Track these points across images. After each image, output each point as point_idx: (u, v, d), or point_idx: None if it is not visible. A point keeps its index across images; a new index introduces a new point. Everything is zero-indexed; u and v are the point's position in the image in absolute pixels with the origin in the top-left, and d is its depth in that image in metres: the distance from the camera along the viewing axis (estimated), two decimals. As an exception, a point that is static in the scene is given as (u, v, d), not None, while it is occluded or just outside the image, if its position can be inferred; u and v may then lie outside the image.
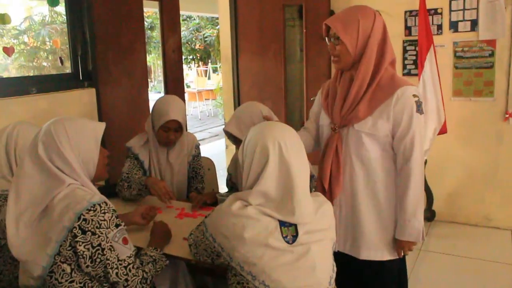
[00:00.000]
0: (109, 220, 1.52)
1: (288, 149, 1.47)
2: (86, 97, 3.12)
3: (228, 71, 4.89)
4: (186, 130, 2.73)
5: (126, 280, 1.53)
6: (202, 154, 2.83)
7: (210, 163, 3.08)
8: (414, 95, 1.83)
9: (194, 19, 15.36)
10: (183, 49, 5.18)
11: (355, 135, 1.90)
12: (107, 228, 1.50)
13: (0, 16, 2.73)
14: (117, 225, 1.54)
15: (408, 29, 4.02)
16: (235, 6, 4.57)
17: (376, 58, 1.86)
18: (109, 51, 3.29)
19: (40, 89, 2.83)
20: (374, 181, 1.91)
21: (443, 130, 3.67)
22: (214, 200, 2.38)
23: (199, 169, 2.73)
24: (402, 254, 1.95)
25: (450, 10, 3.85)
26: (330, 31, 1.89)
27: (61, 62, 3.27)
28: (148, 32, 13.53)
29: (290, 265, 1.44)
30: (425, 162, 3.90)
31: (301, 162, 1.51)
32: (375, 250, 1.95)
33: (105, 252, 1.49)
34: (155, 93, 12.60)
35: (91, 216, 1.48)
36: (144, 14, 3.72)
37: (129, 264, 1.55)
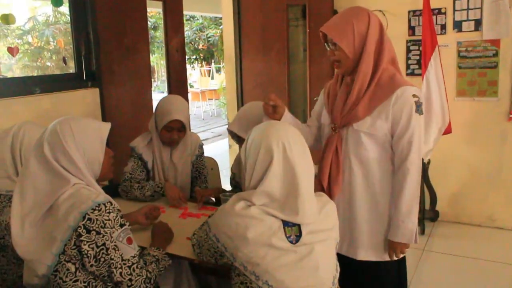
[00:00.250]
0: (114, 219, 1.52)
1: (292, 149, 1.47)
2: (89, 97, 3.12)
3: (231, 71, 4.89)
4: (190, 130, 2.74)
5: (130, 279, 1.54)
6: (206, 154, 2.83)
7: (213, 163, 3.09)
8: (414, 95, 1.82)
9: (198, 19, 15.39)
10: (186, 49, 5.18)
11: (354, 135, 1.90)
12: (111, 228, 1.51)
13: (4, 16, 2.74)
14: (121, 225, 1.54)
15: (411, 29, 4.02)
16: (239, 6, 4.57)
17: (374, 58, 1.86)
18: (113, 51, 3.30)
19: (43, 89, 2.84)
20: (372, 181, 1.91)
21: (447, 130, 3.66)
22: (218, 195, 2.38)
23: (202, 169, 2.73)
24: (394, 257, 1.92)
25: (454, 10, 3.84)
26: (327, 37, 1.88)
27: (65, 62, 3.28)
28: (151, 32, 13.55)
29: (293, 265, 1.44)
30: (429, 162, 3.90)
31: (305, 162, 1.51)
32: (373, 251, 1.94)
33: (109, 252, 1.50)
34: (158, 93, 12.62)
35: (96, 215, 1.49)
36: (148, 14, 3.73)
37: (133, 264, 1.55)
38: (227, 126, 2.43)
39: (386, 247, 1.93)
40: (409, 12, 4.00)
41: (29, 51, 7.83)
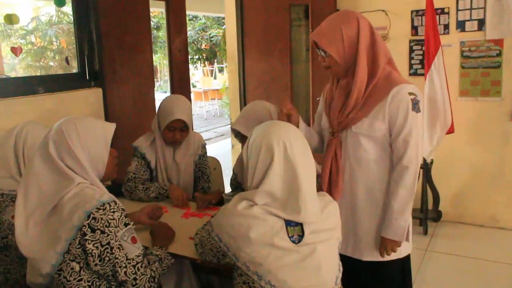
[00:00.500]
0: (118, 219, 1.52)
1: (293, 148, 1.48)
2: (92, 96, 3.13)
3: (234, 71, 4.89)
4: (192, 129, 2.74)
5: (135, 279, 1.54)
6: (208, 154, 2.83)
7: (216, 163, 3.09)
8: (410, 93, 1.81)
9: (200, 19, 15.38)
10: (189, 48, 5.19)
11: (353, 137, 1.90)
12: (116, 227, 1.51)
13: (8, 16, 2.75)
14: (126, 224, 1.55)
15: (414, 29, 4.01)
16: (241, 6, 4.57)
17: (369, 62, 1.85)
18: (116, 51, 3.31)
19: (47, 89, 2.85)
20: (373, 182, 1.91)
21: (450, 130, 3.65)
22: (220, 199, 2.39)
23: (205, 168, 2.74)
24: (385, 254, 1.91)
25: (457, 10, 3.84)
26: (318, 43, 1.88)
27: (67, 62, 3.28)
28: (154, 32, 13.56)
29: (296, 265, 1.44)
30: (432, 162, 3.90)
31: (307, 161, 1.51)
32: (378, 251, 1.94)
33: (113, 251, 1.50)
34: (161, 93, 12.62)
35: (101, 214, 1.49)
36: (150, 14, 3.73)
37: (137, 263, 1.56)
38: (230, 125, 2.43)
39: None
40: (412, 12, 4.00)
41: (32, 51, 7.85)
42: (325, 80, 2.09)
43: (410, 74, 4.03)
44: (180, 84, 3.99)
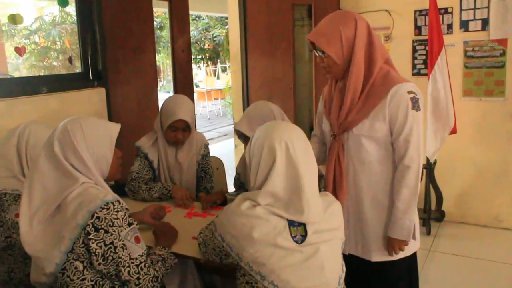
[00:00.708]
0: (122, 218, 1.53)
1: (295, 148, 1.48)
2: (96, 96, 3.13)
3: (237, 71, 4.89)
4: (195, 129, 2.74)
5: (138, 278, 1.54)
6: (211, 154, 2.83)
7: (219, 163, 3.09)
8: (410, 92, 1.81)
9: (203, 19, 15.40)
10: (192, 48, 5.19)
11: (355, 139, 1.90)
12: (119, 227, 1.51)
13: (12, 16, 2.76)
14: (129, 224, 1.55)
15: (418, 29, 4.00)
16: (244, 5, 4.57)
17: (365, 62, 1.84)
18: (119, 51, 3.31)
19: (50, 89, 2.85)
20: (377, 182, 1.91)
21: (453, 131, 3.64)
22: (224, 199, 2.39)
23: (208, 168, 2.74)
24: (393, 254, 1.92)
25: (461, 9, 3.83)
26: (315, 44, 1.88)
27: (70, 62, 3.29)
28: (157, 32, 13.58)
29: (299, 265, 1.44)
30: (435, 162, 3.89)
31: (309, 161, 1.51)
32: (385, 251, 1.94)
33: (117, 250, 1.51)
34: (164, 93, 12.64)
35: (104, 214, 1.50)
36: (154, 14, 3.73)
37: (141, 262, 1.56)
38: (233, 125, 2.43)
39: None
40: (415, 11, 3.99)
41: (35, 51, 7.88)
42: (327, 79, 2.09)
43: (413, 74, 4.02)
44: (183, 84, 3.99)
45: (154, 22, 3.81)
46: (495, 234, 3.89)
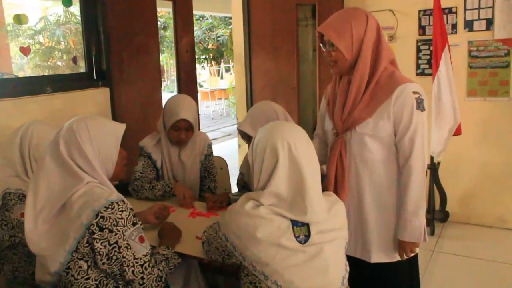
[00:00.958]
0: (126, 218, 1.53)
1: (297, 148, 1.48)
2: (100, 96, 3.14)
3: (240, 71, 4.90)
4: (199, 129, 2.74)
5: (142, 278, 1.55)
6: (215, 154, 2.83)
7: (222, 163, 3.09)
8: (415, 92, 1.81)
9: (207, 19, 15.41)
10: (196, 48, 5.20)
11: (358, 138, 1.89)
12: (124, 226, 1.52)
13: (17, 17, 2.77)
14: (134, 224, 1.56)
15: (422, 28, 3.99)
16: (248, 5, 4.57)
17: (371, 59, 1.84)
18: (123, 50, 3.32)
19: (55, 89, 2.86)
20: (379, 183, 1.90)
21: (457, 132, 3.62)
22: (228, 201, 2.39)
23: (211, 168, 2.74)
24: (405, 256, 1.91)
25: (465, 9, 3.81)
26: (324, 37, 1.87)
27: (75, 61, 3.30)
28: (161, 32, 13.60)
29: (302, 265, 1.44)
30: (439, 163, 3.88)
31: (311, 161, 1.51)
32: (384, 252, 1.94)
33: (121, 250, 1.51)
34: (168, 93, 12.66)
35: (109, 214, 1.50)
36: (158, 14, 3.74)
37: (145, 262, 1.56)
38: (236, 125, 2.43)
39: (397, 247, 1.92)
40: (419, 11, 3.98)
41: (40, 50, 7.91)
42: (331, 80, 2.08)
43: (417, 74, 4.01)
44: (187, 84, 4.00)
45: (158, 22, 3.81)
46: (500, 234, 3.88)
